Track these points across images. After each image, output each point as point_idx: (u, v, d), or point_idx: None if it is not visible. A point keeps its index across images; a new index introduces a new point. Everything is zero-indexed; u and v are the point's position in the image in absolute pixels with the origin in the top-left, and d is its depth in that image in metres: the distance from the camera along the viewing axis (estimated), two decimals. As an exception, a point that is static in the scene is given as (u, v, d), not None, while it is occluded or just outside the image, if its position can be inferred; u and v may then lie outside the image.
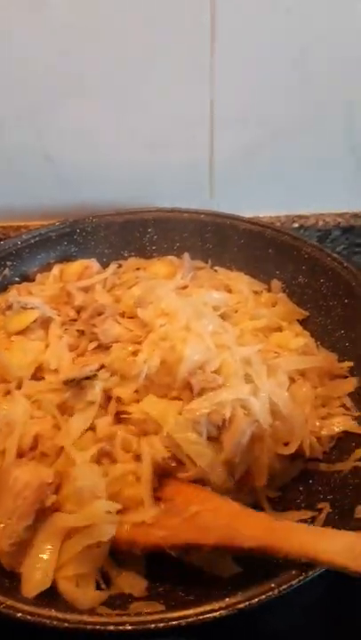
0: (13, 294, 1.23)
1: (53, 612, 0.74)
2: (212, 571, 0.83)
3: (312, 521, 0.89)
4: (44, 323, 1.16)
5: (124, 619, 0.73)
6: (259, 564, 0.78)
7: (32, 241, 1.32)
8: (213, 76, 1.30)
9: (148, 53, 1.27)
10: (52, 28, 1.23)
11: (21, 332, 1.15)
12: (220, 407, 0.95)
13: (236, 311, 1.21)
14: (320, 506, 0.91)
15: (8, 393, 1.04)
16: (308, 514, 0.91)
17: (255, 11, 1.23)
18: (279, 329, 1.21)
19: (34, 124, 1.36)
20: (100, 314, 1.15)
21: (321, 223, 1.53)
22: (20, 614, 0.74)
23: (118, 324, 1.13)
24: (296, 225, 1.53)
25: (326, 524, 0.87)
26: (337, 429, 1.03)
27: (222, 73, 1.30)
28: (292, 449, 0.98)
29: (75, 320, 1.18)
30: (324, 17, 1.25)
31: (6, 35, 1.24)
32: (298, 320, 1.24)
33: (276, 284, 1.30)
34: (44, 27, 1.23)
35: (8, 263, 1.30)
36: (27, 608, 0.75)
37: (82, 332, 1.14)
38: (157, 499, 0.91)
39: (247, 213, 1.40)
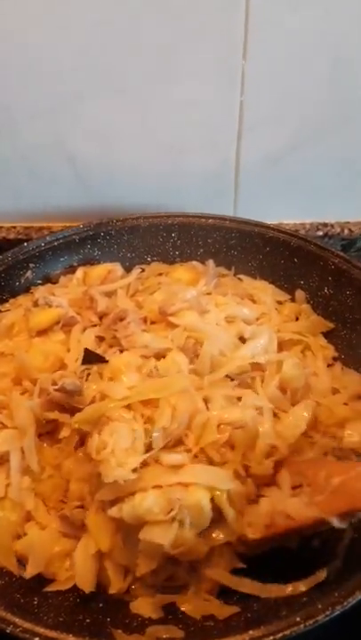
0: (41, 290, 1.24)
1: (71, 638, 0.73)
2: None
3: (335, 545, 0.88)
4: (66, 325, 1.15)
5: (143, 647, 0.72)
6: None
7: (55, 243, 1.31)
8: (245, 80, 1.28)
9: (177, 55, 1.25)
10: (75, 27, 1.21)
11: (43, 333, 1.16)
12: None
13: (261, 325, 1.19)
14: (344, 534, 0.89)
15: (25, 392, 1.04)
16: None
17: (289, 13, 1.20)
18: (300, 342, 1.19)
19: (56, 126, 1.35)
20: (121, 319, 1.14)
21: (346, 232, 1.51)
22: (36, 639, 0.73)
23: (144, 330, 1.11)
24: (321, 233, 1.51)
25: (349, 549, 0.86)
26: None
27: (253, 77, 1.28)
28: None
29: (96, 325, 1.16)
30: (358, 21, 1.21)
31: (26, 32, 1.22)
32: (322, 333, 1.22)
33: (300, 294, 1.28)
34: (66, 24, 1.21)
35: (31, 265, 1.29)
36: (43, 632, 0.74)
37: (101, 339, 1.13)
38: (297, 487, 0.90)
39: (271, 220, 1.38)
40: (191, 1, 1.18)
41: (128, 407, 0.92)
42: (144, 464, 0.88)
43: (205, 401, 0.98)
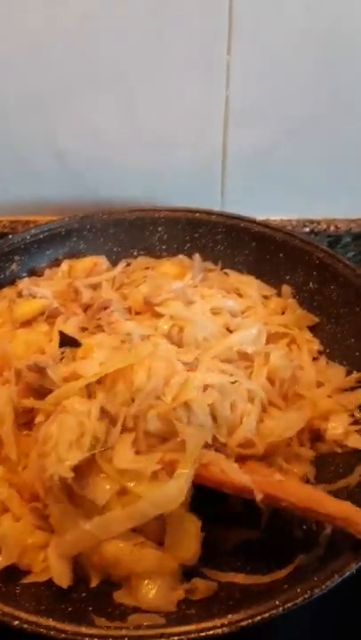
0: (25, 282, 1.24)
1: (51, 622, 0.73)
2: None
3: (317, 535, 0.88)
4: (50, 317, 1.15)
5: (123, 632, 0.73)
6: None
7: (41, 236, 1.31)
8: (230, 75, 1.28)
9: (163, 50, 1.25)
10: (64, 20, 1.21)
11: (26, 324, 1.16)
12: None
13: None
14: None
15: (7, 383, 1.02)
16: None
17: (274, 8, 1.20)
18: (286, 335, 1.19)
19: (45, 119, 1.34)
20: (105, 308, 1.14)
21: (332, 228, 1.51)
22: (16, 622, 0.73)
23: (128, 320, 1.11)
24: (307, 229, 1.51)
25: (331, 539, 0.86)
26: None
27: (239, 71, 1.28)
28: None
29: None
30: (344, 16, 1.22)
31: (18, 24, 1.22)
32: (308, 327, 1.23)
33: (286, 289, 1.28)
34: (56, 18, 1.21)
35: (16, 258, 1.29)
36: (24, 616, 0.74)
37: (85, 329, 1.13)
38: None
39: (258, 216, 1.37)
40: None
41: (89, 396, 0.92)
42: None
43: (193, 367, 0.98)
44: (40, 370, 0.96)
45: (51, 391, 0.95)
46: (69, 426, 0.88)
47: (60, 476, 0.83)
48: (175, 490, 0.85)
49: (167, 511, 0.85)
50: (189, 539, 0.88)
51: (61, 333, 1.06)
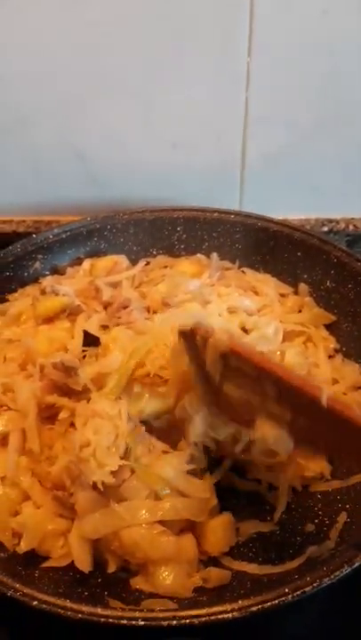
0: (48, 280, 1.27)
1: (68, 603, 0.76)
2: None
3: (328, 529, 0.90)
4: (72, 314, 1.18)
5: (137, 614, 0.75)
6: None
7: (63, 235, 1.33)
8: (250, 77, 1.30)
9: (182, 51, 1.27)
10: (82, 26, 1.24)
11: (49, 321, 1.18)
12: None
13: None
14: (338, 518, 0.92)
15: (30, 377, 1.06)
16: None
17: (292, 11, 1.22)
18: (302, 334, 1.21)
19: (65, 122, 1.37)
20: (125, 307, 1.17)
21: (351, 228, 1.52)
22: (35, 602, 0.76)
23: (147, 319, 1.14)
24: (325, 229, 1.52)
25: (343, 533, 0.88)
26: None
27: (258, 73, 1.30)
28: None
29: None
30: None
31: (37, 31, 1.25)
32: (324, 325, 1.24)
33: (303, 287, 1.30)
34: (74, 24, 1.24)
35: (39, 256, 1.32)
36: (42, 597, 0.77)
37: (105, 327, 1.15)
38: None
39: (276, 215, 1.38)
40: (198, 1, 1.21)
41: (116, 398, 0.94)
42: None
43: None
44: (66, 369, 0.99)
45: (75, 390, 0.98)
46: (106, 431, 0.90)
47: (103, 482, 0.87)
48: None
49: (198, 519, 0.90)
50: (217, 536, 0.92)
51: (85, 332, 1.09)
